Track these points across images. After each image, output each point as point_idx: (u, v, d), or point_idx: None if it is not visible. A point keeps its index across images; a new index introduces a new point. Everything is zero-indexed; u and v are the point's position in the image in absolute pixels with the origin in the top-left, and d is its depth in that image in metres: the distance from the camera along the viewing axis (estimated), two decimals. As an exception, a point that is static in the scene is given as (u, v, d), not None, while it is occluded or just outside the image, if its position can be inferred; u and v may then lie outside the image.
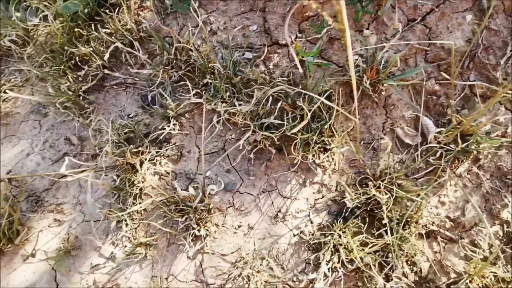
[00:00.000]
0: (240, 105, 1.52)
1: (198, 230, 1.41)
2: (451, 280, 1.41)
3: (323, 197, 1.52)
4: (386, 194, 1.35)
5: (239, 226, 1.49)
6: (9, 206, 1.38)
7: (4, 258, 1.50)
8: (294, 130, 1.34)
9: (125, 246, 1.47)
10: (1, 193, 1.41)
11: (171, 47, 1.63)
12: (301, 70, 1.15)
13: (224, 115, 1.45)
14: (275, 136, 1.45)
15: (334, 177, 1.53)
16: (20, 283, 1.47)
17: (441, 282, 1.41)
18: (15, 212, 1.41)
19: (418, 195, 1.36)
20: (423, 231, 1.39)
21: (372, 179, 1.41)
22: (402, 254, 1.38)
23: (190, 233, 1.42)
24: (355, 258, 1.33)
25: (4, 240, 1.43)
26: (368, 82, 1.43)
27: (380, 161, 1.51)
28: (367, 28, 1.55)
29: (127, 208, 1.49)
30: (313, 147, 1.47)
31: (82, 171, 1.50)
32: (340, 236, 1.36)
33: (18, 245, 1.49)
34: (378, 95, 1.52)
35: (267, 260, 1.43)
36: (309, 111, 1.35)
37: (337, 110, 1.45)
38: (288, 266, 1.43)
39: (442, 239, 1.44)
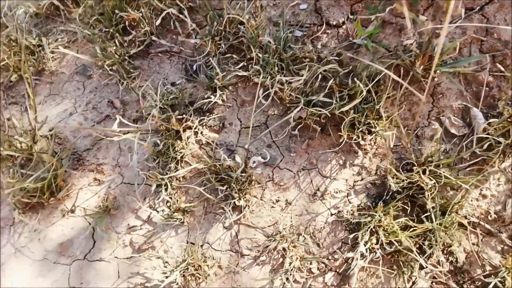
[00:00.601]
0: (286, 81, 1.52)
1: (238, 200, 1.42)
2: (486, 273, 1.40)
3: (362, 179, 1.51)
4: (431, 180, 1.34)
5: (277, 201, 1.49)
6: (56, 160, 1.40)
7: (44, 212, 1.53)
8: (345, 108, 1.33)
9: (163, 211, 1.49)
10: (50, 147, 1.43)
11: (220, 18, 1.62)
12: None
13: (274, 89, 1.45)
14: (322, 114, 1.44)
15: (374, 160, 1.53)
16: (58, 236, 1.50)
17: (476, 274, 1.41)
18: (61, 167, 1.44)
19: (461, 184, 1.35)
20: (465, 221, 1.38)
21: (416, 164, 1.41)
22: (439, 243, 1.37)
23: (229, 202, 1.43)
24: (395, 240, 1.33)
25: (47, 194, 1.46)
26: (420, 68, 1.41)
27: (423, 148, 1.50)
28: (423, 14, 1.53)
29: (166, 173, 1.51)
30: (358, 128, 1.46)
31: (125, 134, 1.52)
32: (381, 218, 1.36)
33: (59, 200, 1.51)
34: (426, 84, 1.50)
35: (303, 236, 1.43)
36: (360, 92, 1.35)
37: (388, 94, 1.44)
38: (324, 244, 1.44)
39: (481, 232, 1.43)
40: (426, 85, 1.51)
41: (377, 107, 1.37)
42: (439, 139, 1.37)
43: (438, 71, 1.44)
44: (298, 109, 1.31)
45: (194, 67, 1.66)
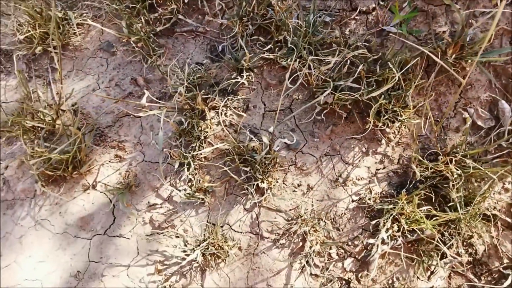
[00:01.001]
0: (314, 65, 1.51)
1: (261, 182, 1.42)
2: (504, 265, 1.40)
3: (384, 168, 1.51)
4: (457, 170, 1.34)
5: (299, 185, 1.49)
6: (81, 134, 1.40)
7: (66, 186, 1.53)
8: (375, 94, 1.32)
9: (185, 190, 1.49)
10: (76, 120, 1.43)
11: (249, -1, 1.61)
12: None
13: (304, 71, 1.43)
14: (349, 100, 1.43)
15: (397, 150, 1.52)
16: (79, 211, 1.50)
17: (494, 266, 1.41)
18: (85, 141, 1.43)
19: (485, 177, 1.35)
20: (489, 213, 1.38)
21: (441, 154, 1.40)
22: (462, 233, 1.37)
23: (252, 184, 1.43)
24: (417, 228, 1.33)
25: (70, 167, 1.46)
26: (452, 57, 1.40)
27: (448, 139, 1.50)
28: (456, 3, 1.51)
29: (189, 152, 1.50)
30: (384, 116, 1.46)
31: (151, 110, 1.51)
32: (404, 206, 1.36)
33: (81, 174, 1.52)
34: (456, 73, 1.49)
35: (324, 221, 1.44)
36: (391, 78, 1.34)
37: (415, 82, 1.43)
38: (344, 230, 1.44)
39: (501, 225, 1.43)
40: (458, 74, 1.50)
41: (407, 94, 1.36)
42: (467, 129, 1.36)
43: (469, 61, 1.43)
44: (326, 92, 1.30)
45: (220, 48, 1.65)
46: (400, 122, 1.46)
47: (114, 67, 1.71)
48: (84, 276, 1.43)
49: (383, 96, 1.43)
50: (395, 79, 1.24)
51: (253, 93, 1.61)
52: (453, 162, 1.34)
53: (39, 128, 1.54)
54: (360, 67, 1.39)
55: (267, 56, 1.57)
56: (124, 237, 1.47)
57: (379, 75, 1.44)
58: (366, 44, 1.49)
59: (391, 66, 1.29)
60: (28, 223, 1.52)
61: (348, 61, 1.49)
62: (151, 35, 1.67)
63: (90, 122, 1.59)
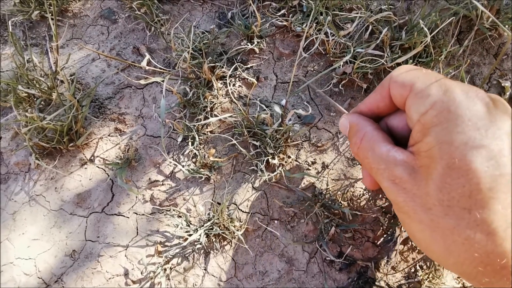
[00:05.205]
0: (331, 33, 1.37)
1: (272, 158, 1.29)
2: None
3: (408, 146, 1.37)
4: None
5: (313, 163, 1.36)
6: (77, 101, 1.29)
7: (62, 160, 1.43)
8: (401, 60, 1.18)
9: (189, 165, 1.37)
10: (71, 87, 1.31)
11: (261, -39, 1.47)
12: None
13: (320, 37, 1.30)
14: (370, 68, 1.29)
15: (422, 127, 1.38)
16: (75, 187, 1.40)
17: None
18: (83, 112, 1.33)
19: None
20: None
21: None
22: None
23: (262, 159, 1.31)
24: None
25: (66, 139, 1.35)
26: (488, 21, 1.24)
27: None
28: (493, -39, 1.35)
29: (193, 126, 1.39)
30: (409, 88, 1.31)
31: (148, 83, 1.39)
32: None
33: (78, 147, 1.41)
34: (492, 41, 1.33)
35: (340, 202, 1.30)
36: (420, 42, 1.20)
37: (447, 49, 1.28)
38: (362, 212, 1.31)
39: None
40: (493, 42, 1.35)
41: (439, 59, 1.21)
42: (506, 100, 1.21)
43: (506, 26, 1.27)
44: (345, 58, 1.16)
45: (229, 15, 1.52)
46: (427, 95, 1.32)
47: (115, 36, 1.60)
48: (80, 256, 1.33)
49: (409, 63, 1.29)
50: (426, 42, 1.09)
51: (264, 64, 1.48)
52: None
53: (35, 98, 1.44)
54: (384, 30, 1.24)
55: (280, 23, 1.44)
56: (123, 216, 1.36)
57: (405, 41, 1.30)
58: (391, 6, 1.35)
59: (419, 28, 1.14)
60: (22, 198, 1.42)
61: (370, 27, 1.35)
62: (155, 0, 1.54)
63: (87, 92, 1.48)
